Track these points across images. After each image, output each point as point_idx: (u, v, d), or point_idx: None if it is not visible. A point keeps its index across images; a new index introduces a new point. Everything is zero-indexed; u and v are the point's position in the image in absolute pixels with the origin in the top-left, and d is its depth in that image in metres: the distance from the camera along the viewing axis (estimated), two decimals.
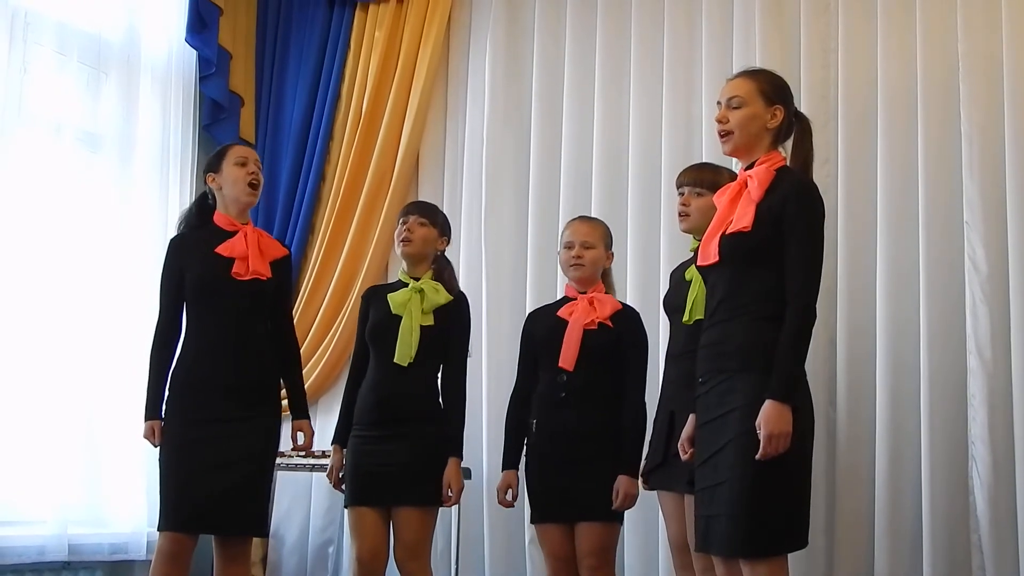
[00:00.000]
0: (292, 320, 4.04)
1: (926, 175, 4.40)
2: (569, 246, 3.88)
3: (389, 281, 5.01)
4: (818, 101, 4.62)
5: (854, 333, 4.47)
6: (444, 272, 3.92)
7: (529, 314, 4.13)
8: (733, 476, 2.80)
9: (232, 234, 3.73)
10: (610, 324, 3.80)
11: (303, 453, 4.73)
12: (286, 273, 3.93)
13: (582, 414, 3.74)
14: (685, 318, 3.49)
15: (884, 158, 4.49)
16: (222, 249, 3.69)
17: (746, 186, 2.98)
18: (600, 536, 3.70)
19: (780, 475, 2.77)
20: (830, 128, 4.61)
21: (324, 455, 4.61)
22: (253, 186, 3.77)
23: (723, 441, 2.85)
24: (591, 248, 3.86)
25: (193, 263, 3.70)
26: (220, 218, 3.77)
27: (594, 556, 3.68)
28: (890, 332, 4.38)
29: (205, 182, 3.83)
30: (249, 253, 3.70)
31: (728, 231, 2.95)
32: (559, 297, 4.78)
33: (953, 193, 4.37)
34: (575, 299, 3.88)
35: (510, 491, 3.88)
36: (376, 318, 3.85)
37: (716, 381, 2.93)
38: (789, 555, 2.86)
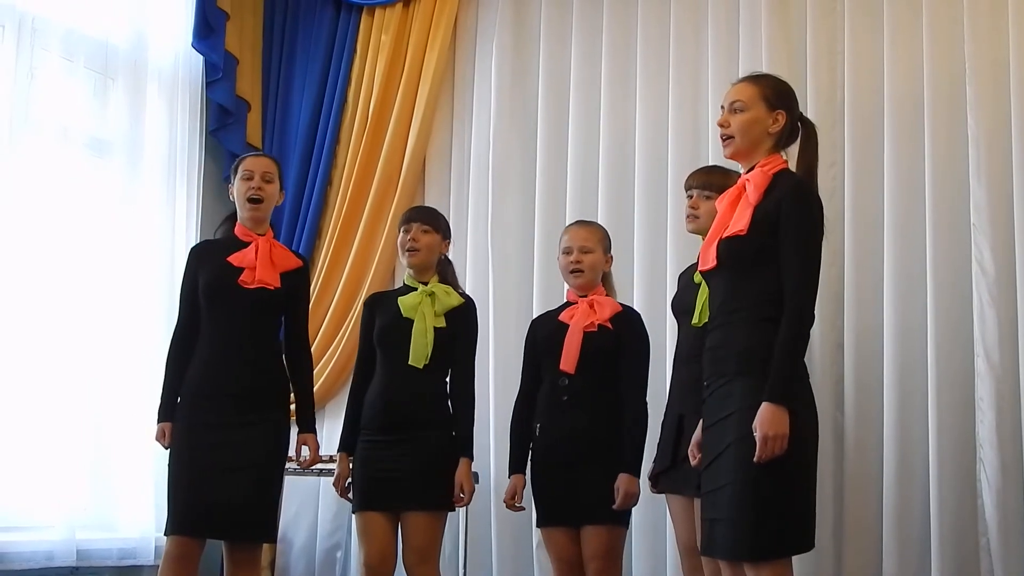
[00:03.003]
0: (306, 333, 4.03)
1: (933, 178, 4.39)
2: (568, 252, 3.90)
3: (395, 286, 5.04)
4: (824, 104, 4.62)
5: (861, 336, 4.46)
6: (448, 274, 3.94)
7: (532, 321, 4.15)
8: (733, 480, 2.80)
9: (246, 244, 3.79)
10: (610, 326, 3.81)
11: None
12: (301, 284, 3.94)
13: (584, 417, 3.75)
14: (694, 320, 3.50)
15: (891, 161, 4.48)
16: (233, 258, 3.76)
17: (745, 190, 2.99)
18: (606, 539, 3.70)
19: (780, 478, 2.77)
20: (837, 131, 4.60)
21: (332, 460, 4.60)
22: (252, 200, 3.81)
23: (723, 445, 2.86)
24: (589, 253, 3.87)
25: (206, 269, 3.77)
26: (239, 228, 3.85)
27: (600, 559, 3.69)
28: (897, 335, 4.37)
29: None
30: (258, 263, 3.75)
31: (725, 235, 2.96)
32: (565, 299, 4.79)
33: (960, 196, 4.36)
34: (576, 303, 3.89)
35: (517, 495, 3.89)
36: (384, 322, 3.85)
37: (717, 385, 2.93)
38: (797, 557, 2.86)
